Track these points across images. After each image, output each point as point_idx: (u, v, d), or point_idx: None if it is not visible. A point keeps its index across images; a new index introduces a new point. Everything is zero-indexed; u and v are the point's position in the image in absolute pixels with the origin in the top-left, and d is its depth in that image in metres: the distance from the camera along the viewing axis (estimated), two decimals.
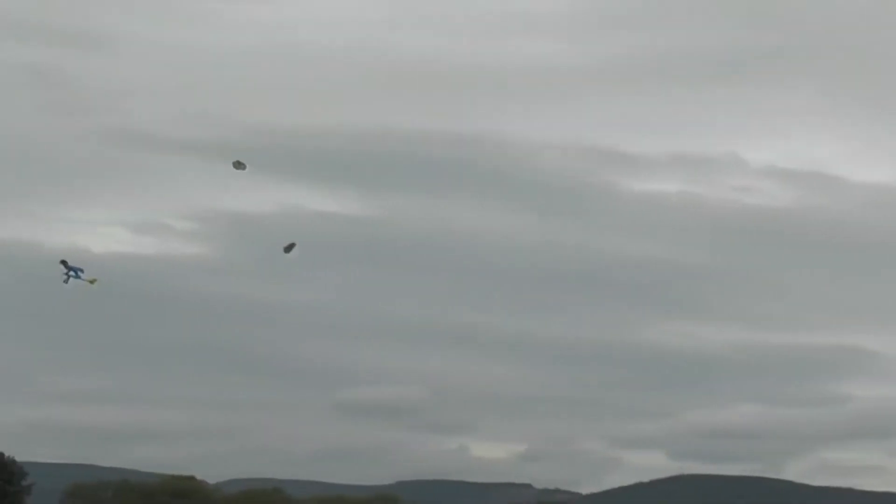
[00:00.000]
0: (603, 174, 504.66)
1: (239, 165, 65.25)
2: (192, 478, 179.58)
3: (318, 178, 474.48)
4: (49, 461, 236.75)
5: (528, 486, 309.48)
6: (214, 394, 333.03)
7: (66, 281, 66.45)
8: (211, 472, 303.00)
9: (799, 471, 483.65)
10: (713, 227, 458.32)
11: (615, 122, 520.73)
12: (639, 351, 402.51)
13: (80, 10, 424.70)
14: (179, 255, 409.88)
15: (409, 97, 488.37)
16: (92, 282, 65.04)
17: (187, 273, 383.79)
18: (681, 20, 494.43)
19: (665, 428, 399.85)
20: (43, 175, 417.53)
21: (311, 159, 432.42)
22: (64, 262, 69.04)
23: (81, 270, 67.63)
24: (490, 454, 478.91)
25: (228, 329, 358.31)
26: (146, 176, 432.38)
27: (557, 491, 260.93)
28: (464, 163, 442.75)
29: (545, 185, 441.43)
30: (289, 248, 60.81)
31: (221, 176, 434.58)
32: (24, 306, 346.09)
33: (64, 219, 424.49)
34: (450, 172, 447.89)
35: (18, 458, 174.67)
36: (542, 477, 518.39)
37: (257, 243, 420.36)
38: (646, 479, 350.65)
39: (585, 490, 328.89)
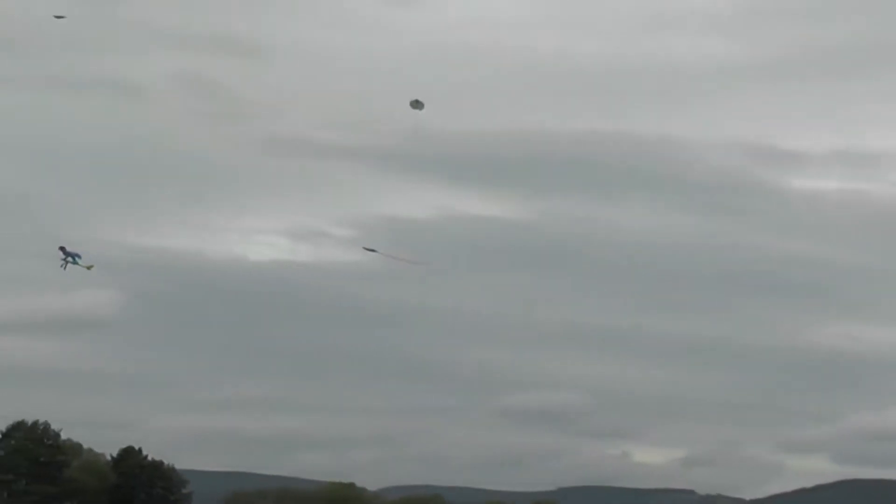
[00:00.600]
0: (764, 172, 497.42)
1: (417, 104, 63.88)
2: (351, 485, 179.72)
3: (479, 182, 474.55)
4: (209, 469, 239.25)
5: (690, 492, 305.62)
6: (375, 401, 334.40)
7: (63, 267, 66.33)
8: (371, 480, 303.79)
9: None
10: (878, 224, 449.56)
11: (777, 119, 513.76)
12: (802, 353, 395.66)
13: (239, 20, 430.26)
14: (338, 262, 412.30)
15: (570, 100, 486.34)
16: (89, 268, 64.90)
17: (346, 280, 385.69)
18: (846, 14, 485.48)
19: (829, 432, 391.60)
20: (202, 184, 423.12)
21: (471, 163, 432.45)
22: (62, 249, 69.04)
23: (79, 256, 67.65)
24: (652, 459, 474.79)
25: (388, 335, 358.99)
26: (304, 183, 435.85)
27: (720, 497, 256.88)
28: (626, 164, 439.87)
29: (708, 185, 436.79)
30: (417, 104, 59.28)
31: (380, 182, 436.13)
32: (185, 315, 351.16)
33: (223, 228, 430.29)
34: (612, 174, 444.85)
35: (179, 467, 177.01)
36: (704, 482, 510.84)
37: (416, 248, 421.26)
38: (809, 484, 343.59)
39: (749, 496, 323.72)
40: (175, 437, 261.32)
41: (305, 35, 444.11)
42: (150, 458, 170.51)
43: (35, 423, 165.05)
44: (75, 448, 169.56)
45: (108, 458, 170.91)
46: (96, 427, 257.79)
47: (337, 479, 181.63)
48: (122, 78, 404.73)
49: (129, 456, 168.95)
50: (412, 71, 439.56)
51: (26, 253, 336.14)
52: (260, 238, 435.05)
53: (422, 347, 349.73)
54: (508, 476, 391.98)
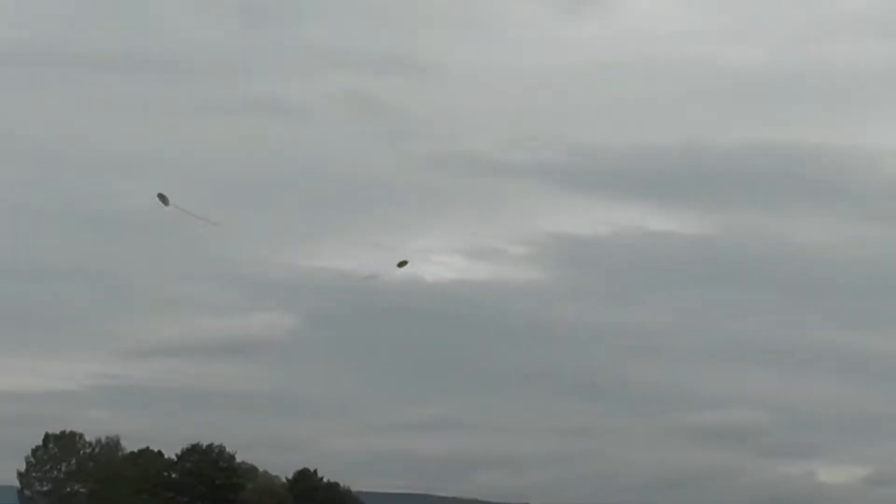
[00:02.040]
0: None
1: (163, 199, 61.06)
2: None
3: (652, 197, 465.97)
4: (385, 491, 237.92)
5: None
6: (551, 420, 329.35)
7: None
8: (547, 500, 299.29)
9: None
10: None
11: None
12: None
13: (405, 38, 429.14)
14: (514, 280, 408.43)
15: (739, 110, 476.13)
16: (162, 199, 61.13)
17: (522, 298, 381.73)
18: None
19: None
20: (374, 205, 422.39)
21: (646, 178, 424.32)
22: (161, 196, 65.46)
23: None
24: (836, 479, 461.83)
25: (565, 353, 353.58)
26: (478, 202, 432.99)
27: None
28: (800, 175, 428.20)
29: (880, 195, 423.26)
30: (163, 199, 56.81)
31: (553, 199, 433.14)
32: (361, 337, 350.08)
33: (398, 248, 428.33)
34: (787, 186, 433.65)
35: (355, 489, 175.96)
36: (890, 502, 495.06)
37: (592, 266, 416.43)
38: None
39: None
40: (351, 459, 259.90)
41: (472, 52, 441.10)
42: (325, 479, 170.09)
43: (210, 446, 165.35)
44: (250, 471, 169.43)
45: (284, 480, 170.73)
46: (271, 449, 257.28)
47: (513, 500, 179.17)
48: (289, 100, 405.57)
49: (305, 478, 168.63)
50: (581, 86, 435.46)
51: (202, 276, 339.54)
52: (435, 258, 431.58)
53: (598, 365, 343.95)
54: (687, 496, 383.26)
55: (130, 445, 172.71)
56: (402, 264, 60.40)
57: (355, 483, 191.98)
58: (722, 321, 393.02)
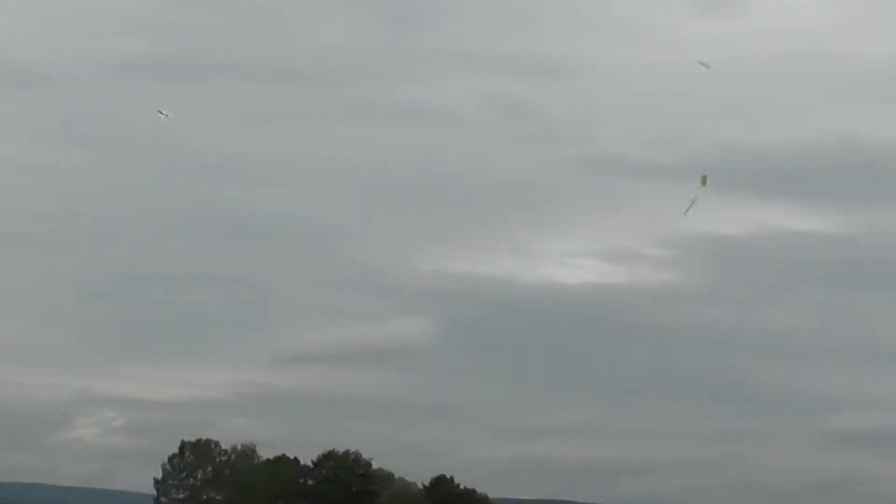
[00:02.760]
0: None
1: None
2: None
3: (797, 196, 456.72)
4: (525, 497, 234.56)
5: None
6: (694, 425, 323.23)
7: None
8: None
9: None
10: None
11: None
12: None
13: (547, 40, 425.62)
14: (652, 283, 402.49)
15: (880, 105, 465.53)
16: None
17: (661, 301, 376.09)
18: None
19: None
20: (515, 208, 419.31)
21: (789, 176, 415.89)
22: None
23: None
24: None
25: (706, 357, 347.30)
26: (617, 203, 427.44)
27: None
28: None
29: None
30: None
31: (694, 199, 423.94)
32: (498, 342, 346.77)
33: (537, 252, 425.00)
34: None
35: (493, 495, 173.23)
36: None
37: (735, 267, 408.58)
38: None
39: None
40: (489, 465, 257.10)
41: (613, 53, 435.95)
42: (462, 486, 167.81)
43: (346, 453, 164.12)
44: (387, 477, 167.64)
45: (420, 486, 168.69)
46: (408, 456, 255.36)
47: None
48: (431, 105, 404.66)
49: (441, 484, 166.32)
50: (723, 84, 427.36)
51: (343, 284, 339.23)
52: (574, 261, 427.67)
53: (740, 369, 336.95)
54: (834, 502, 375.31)
55: (267, 453, 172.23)
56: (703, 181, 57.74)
57: (493, 489, 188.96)
58: (867, 322, 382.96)
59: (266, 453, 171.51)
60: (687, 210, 51.27)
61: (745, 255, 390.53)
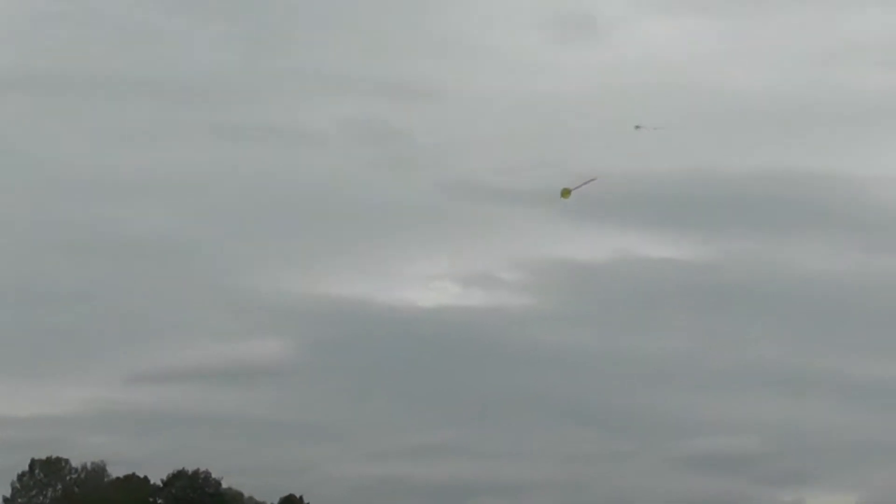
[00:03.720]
0: None
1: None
2: None
3: (654, 224, 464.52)
4: None
5: None
6: (549, 446, 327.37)
7: None
8: None
9: None
10: None
11: None
12: None
13: (410, 64, 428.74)
14: (510, 306, 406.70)
15: (743, 137, 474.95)
16: None
17: (518, 324, 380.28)
18: None
19: None
20: (374, 230, 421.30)
21: (646, 205, 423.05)
22: None
23: None
24: None
25: (564, 380, 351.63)
26: (477, 227, 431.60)
27: None
28: (800, 202, 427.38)
29: (884, 222, 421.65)
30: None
31: (554, 225, 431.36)
32: (355, 363, 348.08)
33: (394, 273, 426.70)
34: (785, 213, 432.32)
35: None
36: None
37: (590, 292, 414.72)
38: None
39: None
40: (344, 485, 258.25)
41: (477, 78, 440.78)
42: None
43: (196, 472, 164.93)
44: (236, 496, 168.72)
45: None
46: (262, 475, 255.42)
47: None
48: (293, 125, 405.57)
49: None
50: (585, 112, 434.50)
51: (197, 302, 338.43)
52: (432, 283, 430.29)
53: (597, 391, 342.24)
54: None
55: (118, 471, 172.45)
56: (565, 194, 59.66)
57: None
58: (725, 349, 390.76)
59: (117, 471, 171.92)
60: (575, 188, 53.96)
61: (604, 281, 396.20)
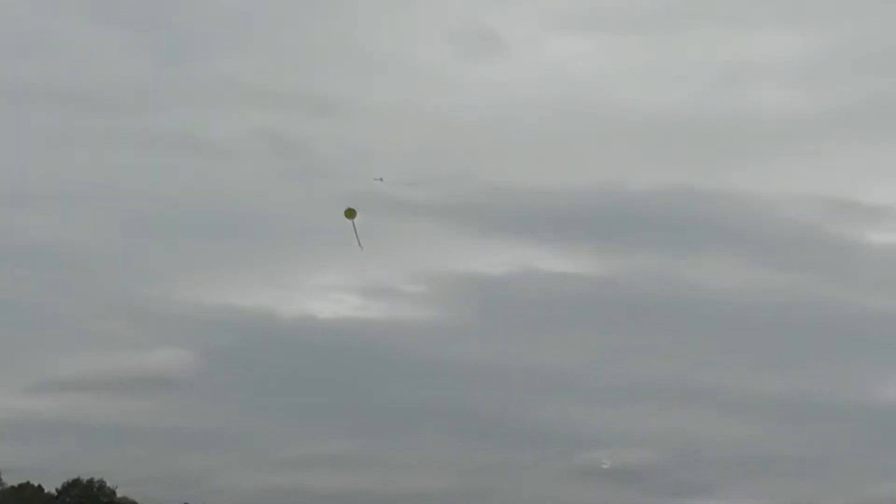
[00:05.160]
0: (843, 227, 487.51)
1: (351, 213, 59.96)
2: None
3: (555, 239, 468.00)
4: None
5: None
6: (451, 457, 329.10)
7: None
8: None
9: None
10: None
11: (855, 172, 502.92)
12: (882, 410, 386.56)
13: (314, 77, 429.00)
14: (411, 319, 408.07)
15: (642, 153, 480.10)
16: None
17: (417, 337, 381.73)
18: None
19: None
20: (276, 242, 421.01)
21: (545, 219, 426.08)
22: None
23: None
24: None
25: (463, 392, 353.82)
26: (378, 240, 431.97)
27: None
28: (700, 219, 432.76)
29: (785, 240, 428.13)
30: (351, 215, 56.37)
31: (454, 238, 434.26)
32: (257, 373, 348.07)
33: (295, 286, 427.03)
34: (686, 230, 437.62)
35: None
36: None
37: (490, 306, 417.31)
38: None
39: None
40: (239, 496, 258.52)
41: (381, 91, 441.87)
42: None
43: (91, 481, 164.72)
44: None
45: None
46: (156, 485, 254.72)
47: None
48: (196, 135, 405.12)
49: None
50: (490, 126, 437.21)
51: (100, 311, 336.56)
52: (331, 295, 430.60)
53: (495, 404, 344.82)
54: None
55: (12, 480, 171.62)
56: (350, 214, 59.89)
57: None
58: (624, 363, 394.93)
59: (11, 480, 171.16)
60: (360, 243, 54.29)
61: (505, 294, 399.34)
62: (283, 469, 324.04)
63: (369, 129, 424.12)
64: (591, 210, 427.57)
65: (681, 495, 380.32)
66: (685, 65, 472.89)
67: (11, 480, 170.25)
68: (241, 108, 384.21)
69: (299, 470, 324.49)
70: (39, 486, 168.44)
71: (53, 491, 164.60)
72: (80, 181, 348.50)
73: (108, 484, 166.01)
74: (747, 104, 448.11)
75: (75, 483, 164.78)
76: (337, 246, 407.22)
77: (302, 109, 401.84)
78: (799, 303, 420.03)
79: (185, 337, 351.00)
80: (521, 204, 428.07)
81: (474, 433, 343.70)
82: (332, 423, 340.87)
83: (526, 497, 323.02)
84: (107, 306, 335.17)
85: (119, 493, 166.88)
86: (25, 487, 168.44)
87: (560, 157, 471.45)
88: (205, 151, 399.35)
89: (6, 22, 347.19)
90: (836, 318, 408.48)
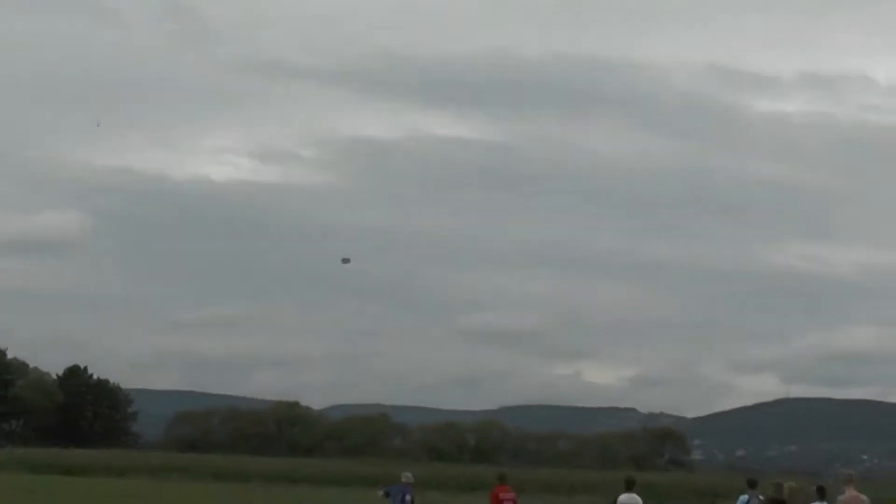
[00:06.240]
0: (729, 94, 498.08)
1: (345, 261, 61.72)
2: (295, 403, 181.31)
3: (450, 104, 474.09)
4: (159, 388, 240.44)
5: (632, 410, 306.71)
6: (333, 321, 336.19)
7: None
8: (322, 399, 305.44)
9: None
10: (840, 147, 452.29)
11: (742, 40, 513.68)
12: (760, 274, 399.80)
13: None
14: (303, 184, 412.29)
15: (536, 20, 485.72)
16: None
17: (312, 201, 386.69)
18: None
19: (782, 352, 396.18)
20: (170, 104, 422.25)
21: (440, 84, 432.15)
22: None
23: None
24: (602, 379, 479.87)
25: (354, 256, 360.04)
26: (274, 104, 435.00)
27: (662, 415, 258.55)
28: (592, 86, 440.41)
29: (674, 107, 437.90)
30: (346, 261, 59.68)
31: (350, 103, 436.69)
32: (146, 236, 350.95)
33: (188, 148, 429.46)
34: (578, 96, 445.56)
35: (128, 386, 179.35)
36: (651, 402, 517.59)
37: (383, 170, 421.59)
38: (752, 402, 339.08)
39: (691, 414, 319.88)
40: (126, 358, 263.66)
41: None
42: (95, 376, 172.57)
43: None
44: (21, 367, 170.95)
45: (55, 377, 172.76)
46: (45, 347, 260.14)
47: (286, 399, 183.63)
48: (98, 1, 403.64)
49: (75, 375, 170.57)
50: None
51: None
52: (224, 158, 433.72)
53: (383, 268, 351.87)
54: (460, 396, 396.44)
55: None
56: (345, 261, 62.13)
57: (130, 381, 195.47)
58: (510, 227, 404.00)
59: None
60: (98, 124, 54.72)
61: (397, 159, 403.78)
62: (173, 332, 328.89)
63: None
64: (485, 75, 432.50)
65: (563, 358, 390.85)
66: None
67: None
68: None
69: (189, 333, 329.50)
70: None
71: None
72: None
73: None
74: None
75: None
76: (230, 110, 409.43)
77: None
78: (686, 169, 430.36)
79: (75, 199, 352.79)
80: (417, 68, 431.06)
81: (361, 298, 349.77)
82: (222, 287, 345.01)
83: (407, 360, 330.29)
84: None
85: (9, 355, 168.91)
86: None
87: (456, 22, 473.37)
88: (98, 15, 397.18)
89: None
90: (722, 185, 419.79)
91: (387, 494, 36.61)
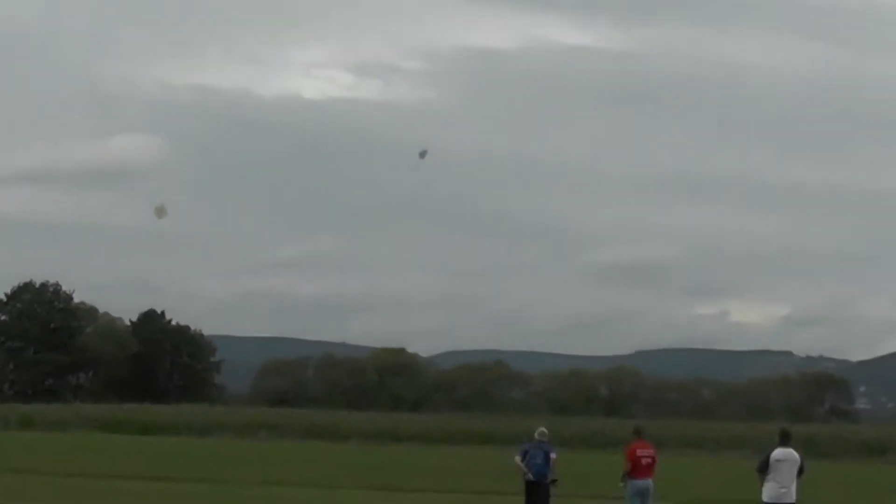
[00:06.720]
0: None
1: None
2: (401, 350, 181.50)
3: (568, 8, 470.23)
4: (247, 335, 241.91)
5: (788, 354, 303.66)
6: (445, 260, 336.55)
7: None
8: (431, 345, 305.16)
9: None
10: None
11: None
12: None
13: None
14: (407, 101, 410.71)
15: None
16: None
17: (417, 121, 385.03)
18: None
19: None
20: (252, 14, 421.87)
21: None
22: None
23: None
24: (750, 319, 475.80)
25: (464, 187, 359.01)
26: (371, 10, 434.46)
27: (822, 359, 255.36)
28: None
29: (825, 9, 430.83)
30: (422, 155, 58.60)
31: (457, 8, 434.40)
32: (231, 163, 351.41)
33: (275, 61, 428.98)
34: (713, 1, 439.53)
35: (211, 332, 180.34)
36: (807, 344, 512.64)
37: (499, 85, 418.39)
38: None
39: (855, 357, 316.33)
40: (208, 301, 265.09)
41: None
42: (173, 322, 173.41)
43: (44, 285, 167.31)
44: (90, 312, 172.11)
45: (127, 322, 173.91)
46: (116, 290, 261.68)
47: (389, 345, 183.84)
48: None
49: (150, 320, 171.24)
50: None
51: (57, 97, 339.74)
52: (317, 72, 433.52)
53: (501, 200, 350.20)
54: (586, 341, 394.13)
55: None
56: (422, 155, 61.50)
57: (213, 327, 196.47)
58: (633, 149, 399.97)
59: None
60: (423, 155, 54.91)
61: (512, 72, 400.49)
62: (260, 271, 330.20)
63: None
64: None
65: (705, 296, 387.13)
66: None
67: None
68: None
69: (278, 273, 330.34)
70: None
71: (2, 296, 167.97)
72: None
73: (64, 288, 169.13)
74: None
75: (27, 287, 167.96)
76: (321, 18, 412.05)
77: None
78: (839, 80, 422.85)
79: (153, 122, 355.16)
80: None
81: (471, 233, 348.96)
82: (315, 221, 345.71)
83: (526, 301, 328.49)
84: (63, 91, 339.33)
85: (76, 299, 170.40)
86: None
87: None
88: None
89: None
90: (880, 98, 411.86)
91: (525, 455, 35.74)
